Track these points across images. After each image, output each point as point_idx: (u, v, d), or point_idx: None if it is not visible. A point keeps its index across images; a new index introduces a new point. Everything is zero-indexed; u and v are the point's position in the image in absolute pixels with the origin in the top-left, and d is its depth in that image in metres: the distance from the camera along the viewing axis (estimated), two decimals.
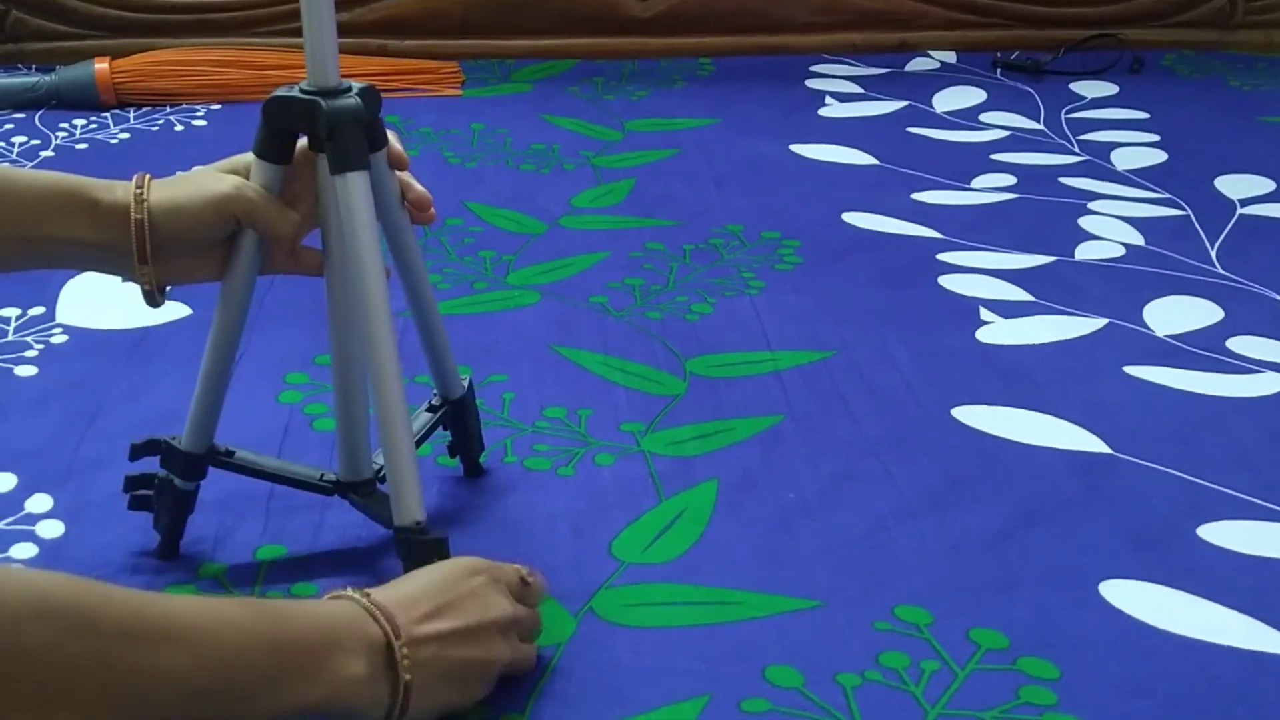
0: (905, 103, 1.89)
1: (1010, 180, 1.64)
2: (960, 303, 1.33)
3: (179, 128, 1.76)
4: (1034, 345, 1.25)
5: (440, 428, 0.99)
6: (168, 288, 0.83)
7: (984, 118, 1.84)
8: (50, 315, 1.27)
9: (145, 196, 0.78)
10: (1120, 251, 1.45)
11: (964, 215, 1.54)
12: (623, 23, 2.07)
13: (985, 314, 1.31)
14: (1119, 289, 1.36)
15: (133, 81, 1.79)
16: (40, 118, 1.78)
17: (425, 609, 0.72)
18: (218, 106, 1.82)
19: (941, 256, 1.44)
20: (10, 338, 1.23)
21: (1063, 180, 1.64)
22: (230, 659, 0.62)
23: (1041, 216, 1.54)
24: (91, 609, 0.56)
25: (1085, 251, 1.45)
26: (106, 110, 1.81)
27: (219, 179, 0.81)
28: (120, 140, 1.72)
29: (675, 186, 1.65)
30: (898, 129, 1.82)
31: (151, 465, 0.91)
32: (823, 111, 1.88)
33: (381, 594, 0.72)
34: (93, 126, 1.75)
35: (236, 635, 0.62)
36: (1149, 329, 1.28)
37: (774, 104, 1.93)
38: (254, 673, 0.63)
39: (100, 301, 1.30)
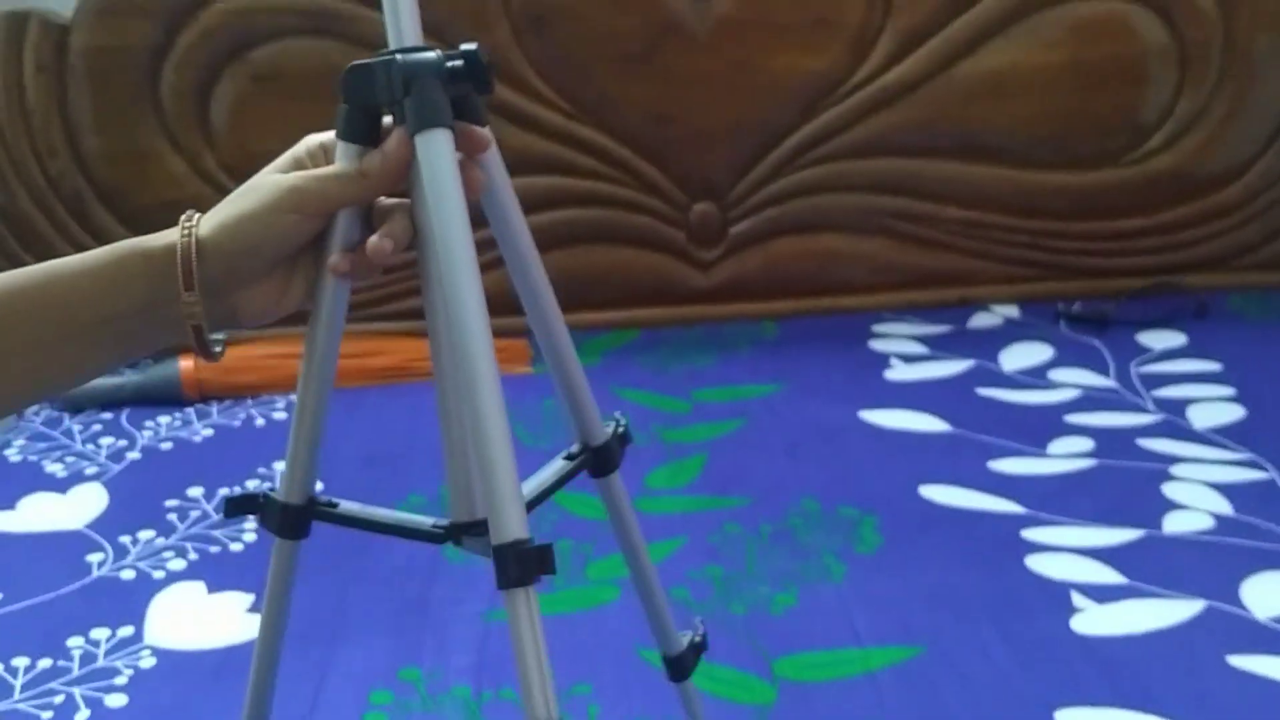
0: (972, 361, 1.90)
1: (1088, 444, 1.63)
2: (1050, 587, 1.30)
3: (260, 421, 1.80)
4: (1132, 635, 1.21)
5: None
6: (223, 334, 0.73)
7: (1053, 375, 1.84)
8: (139, 635, 1.28)
9: (193, 222, 0.70)
10: (1209, 523, 1.42)
11: (1044, 486, 1.53)
12: (686, 292, 2.12)
13: (1078, 599, 1.28)
14: (1213, 565, 1.33)
15: (216, 378, 1.85)
16: (127, 416, 1.84)
17: None
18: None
19: (1026, 534, 1.41)
20: (100, 663, 1.24)
21: (1141, 442, 1.62)
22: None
23: (1124, 484, 1.52)
24: None
25: (1173, 523, 1.42)
26: (190, 405, 1.86)
27: (277, 179, 0.71)
28: (204, 437, 1.76)
29: (747, 459, 1.65)
30: (967, 390, 1.82)
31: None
32: (889, 374, 1.89)
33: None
34: (177, 424, 1.80)
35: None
36: (1248, 611, 1.24)
37: (839, 366, 1.95)
38: None
39: (186, 616, 1.31)
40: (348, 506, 0.82)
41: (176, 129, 1.94)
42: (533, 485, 0.81)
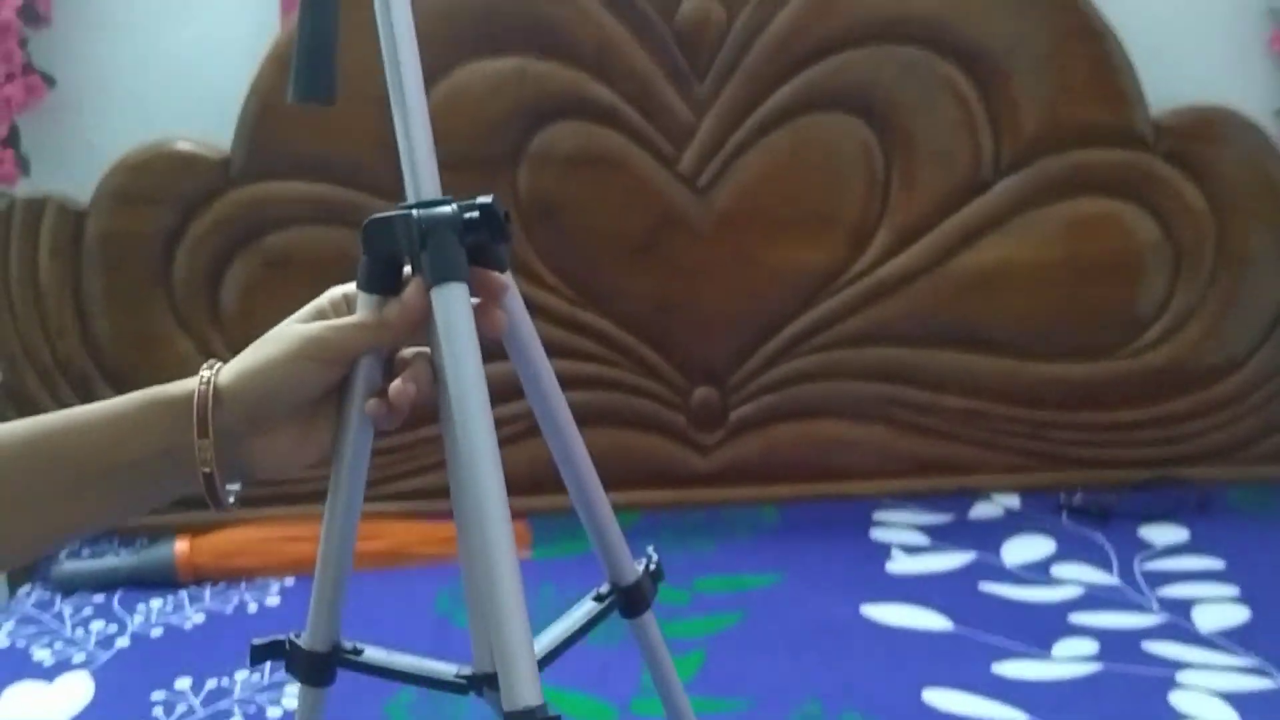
0: (974, 554, 1.89)
1: (1093, 647, 1.60)
2: None
3: (253, 607, 1.78)
4: None
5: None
6: (237, 485, 0.73)
7: (1056, 571, 1.82)
8: None
9: (213, 370, 0.72)
10: None
11: (1049, 692, 1.49)
12: (686, 475, 2.11)
13: None
14: None
15: (211, 561, 1.84)
16: (119, 599, 1.81)
17: None
18: (291, 581, 1.85)
19: None
20: None
21: (1146, 646, 1.59)
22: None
23: (1130, 692, 1.49)
24: None
25: None
26: (184, 587, 1.84)
27: (299, 328, 0.74)
28: (194, 624, 1.74)
29: (746, 657, 1.62)
30: (969, 585, 1.80)
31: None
32: (890, 566, 1.88)
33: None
34: (169, 609, 1.78)
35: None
36: None
37: (840, 556, 1.92)
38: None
39: None
40: (372, 654, 0.82)
41: (186, 312, 1.97)
42: (557, 632, 0.81)
